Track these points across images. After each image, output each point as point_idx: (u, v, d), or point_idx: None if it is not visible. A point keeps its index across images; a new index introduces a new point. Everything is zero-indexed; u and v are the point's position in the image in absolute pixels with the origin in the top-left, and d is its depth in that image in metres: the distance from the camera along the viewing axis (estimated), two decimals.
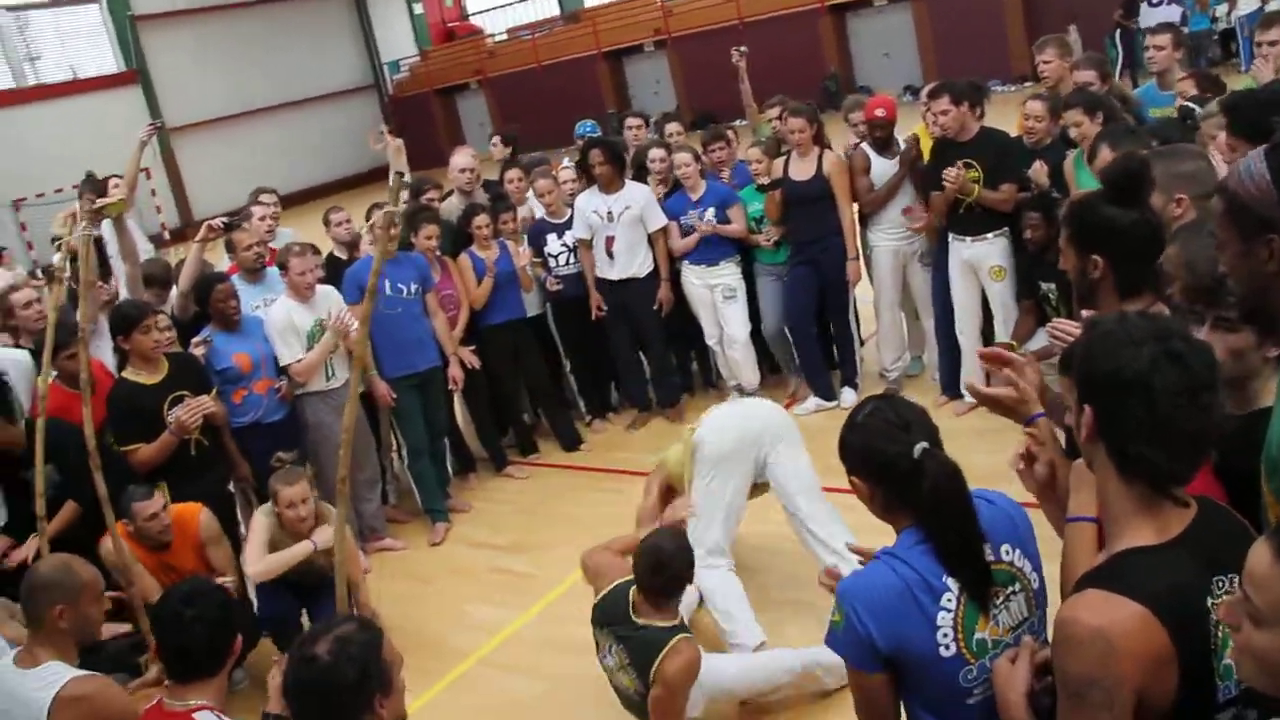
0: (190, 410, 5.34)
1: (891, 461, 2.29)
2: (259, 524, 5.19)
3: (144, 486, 5.00)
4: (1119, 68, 17.19)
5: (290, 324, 6.20)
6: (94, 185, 6.62)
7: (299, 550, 5.11)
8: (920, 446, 2.27)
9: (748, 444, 4.89)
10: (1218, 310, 2.52)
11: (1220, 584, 1.86)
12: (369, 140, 6.83)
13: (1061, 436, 2.45)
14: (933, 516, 2.26)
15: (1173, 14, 18.07)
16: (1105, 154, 4.32)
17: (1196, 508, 1.95)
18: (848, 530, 4.66)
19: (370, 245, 6.60)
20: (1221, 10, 18.50)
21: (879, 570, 2.28)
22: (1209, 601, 1.85)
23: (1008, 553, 2.32)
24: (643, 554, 3.87)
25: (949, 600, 2.22)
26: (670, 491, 5.14)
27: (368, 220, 5.41)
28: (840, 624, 2.25)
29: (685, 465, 4.96)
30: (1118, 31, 18.76)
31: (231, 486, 5.94)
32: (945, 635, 2.21)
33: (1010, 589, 2.30)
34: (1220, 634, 1.84)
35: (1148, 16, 18.49)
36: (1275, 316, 2.03)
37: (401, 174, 3.36)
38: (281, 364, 6.18)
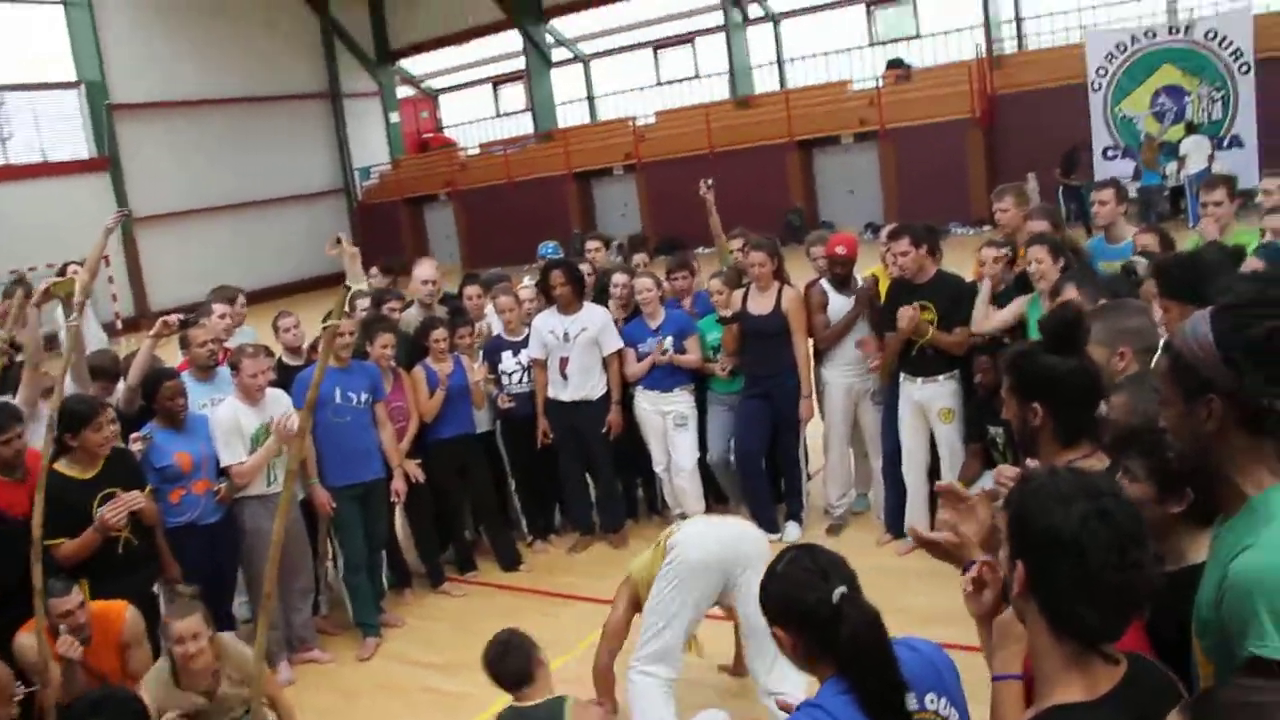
0: (115, 509, 5.20)
1: (811, 609, 2.30)
2: (145, 691, 4.51)
3: (63, 581, 4.78)
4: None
5: (236, 425, 6.11)
6: (25, 288, 6.55)
7: None
8: (839, 592, 2.28)
9: (724, 562, 4.81)
10: (1126, 460, 2.55)
11: None
12: (326, 246, 6.78)
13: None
14: (852, 663, 2.25)
15: (1125, 169, 18.78)
16: (1070, 292, 4.44)
17: (1127, 665, 1.95)
18: (795, 671, 4.59)
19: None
20: (1171, 168, 19.22)
21: None
22: None
23: (933, 701, 2.32)
24: (488, 649, 4.22)
25: None
26: (639, 604, 5.05)
27: (323, 325, 5.35)
28: None
29: (651, 570, 4.89)
30: (1060, 189, 19.49)
31: (156, 588, 5.76)
32: None
33: None
34: None
35: (1101, 170, 19.20)
36: (1212, 475, 2.07)
37: (349, 287, 3.33)
38: (222, 465, 6.07)
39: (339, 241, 4.59)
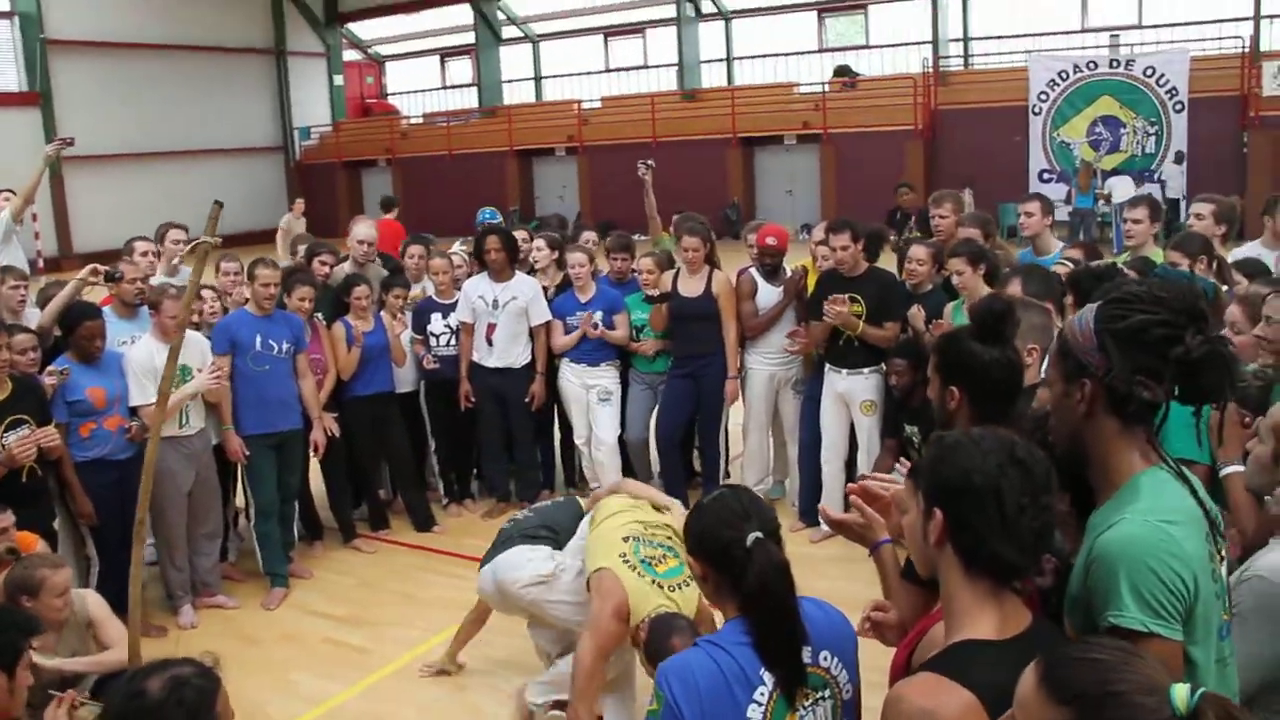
0: (22, 443, 5.12)
1: (725, 546, 2.33)
2: None
3: None
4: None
5: (151, 366, 5.98)
6: None
7: None
8: (754, 536, 2.32)
9: None
10: None
11: None
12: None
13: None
14: (755, 605, 2.29)
15: (1059, 192, 19.29)
16: (1014, 286, 4.62)
17: (1033, 620, 2.04)
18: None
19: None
20: (1103, 199, 19.73)
21: (699, 656, 2.30)
22: None
23: (826, 659, 2.36)
24: None
25: (761, 694, 2.25)
26: None
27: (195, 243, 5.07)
28: (658, 711, 2.25)
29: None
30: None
31: (56, 524, 5.65)
32: None
33: (821, 694, 2.34)
34: None
35: (1036, 190, 19.61)
36: (1081, 460, 2.21)
37: (220, 204, 3.40)
38: (132, 404, 5.98)
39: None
